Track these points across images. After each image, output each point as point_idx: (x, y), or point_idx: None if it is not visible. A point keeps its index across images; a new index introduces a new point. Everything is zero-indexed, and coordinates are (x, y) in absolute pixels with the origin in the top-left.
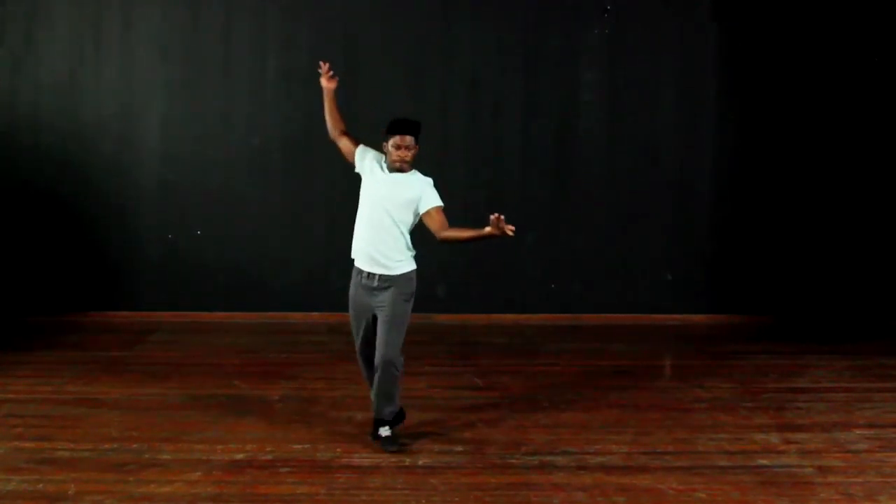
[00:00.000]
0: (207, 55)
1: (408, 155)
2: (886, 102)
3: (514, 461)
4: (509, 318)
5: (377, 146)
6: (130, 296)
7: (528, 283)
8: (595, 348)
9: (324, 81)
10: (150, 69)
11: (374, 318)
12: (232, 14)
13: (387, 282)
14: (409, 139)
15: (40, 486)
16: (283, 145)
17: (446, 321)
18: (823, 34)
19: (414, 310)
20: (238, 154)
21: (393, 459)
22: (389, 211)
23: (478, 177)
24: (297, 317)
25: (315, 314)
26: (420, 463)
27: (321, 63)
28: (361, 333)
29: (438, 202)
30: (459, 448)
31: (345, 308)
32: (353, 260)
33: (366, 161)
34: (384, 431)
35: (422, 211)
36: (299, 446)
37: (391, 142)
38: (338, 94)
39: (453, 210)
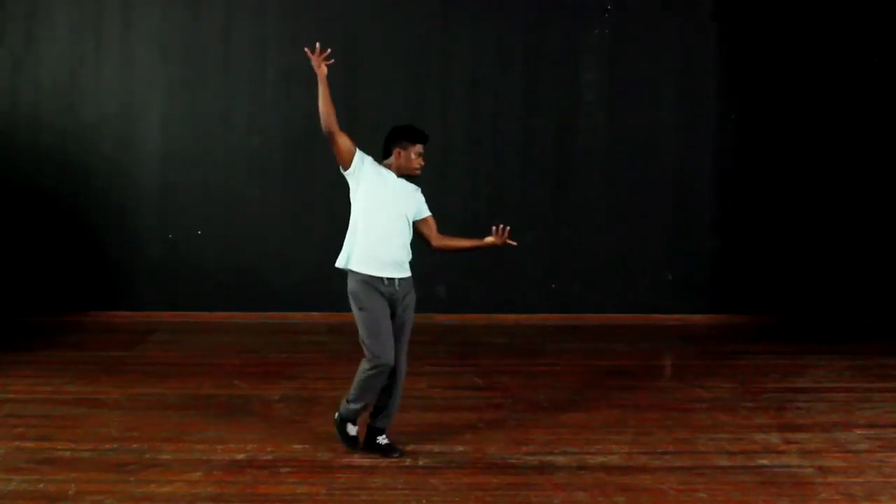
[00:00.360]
0: (207, 55)
1: (423, 162)
2: (886, 102)
3: (514, 461)
4: (509, 318)
5: (377, 147)
6: (130, 296)
7: (527, 283)
8: (595, 348)
9: (315, 63)
10: (150, 69)
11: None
12: (232, 14)
13: (406, 285)
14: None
15: (41, 486)
16: (283, 145)
17: (446, 321)
18: (823, 34)
19: (414, 310)
20: (238, 154)
21: (393, 460)
22: (407, 216)
23: (478, 177)
24: (297, 317)
25: (315, 314)
26: (420, 463)
27: (317, 46)
28: (391, 341)
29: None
30: (460, 448)
31: (344, 308)
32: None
33: (366, 166)
34: (382, 440)
35: (419, 218)
36: (300, 446)
37: (414, 149)
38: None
39: (453, 210)
